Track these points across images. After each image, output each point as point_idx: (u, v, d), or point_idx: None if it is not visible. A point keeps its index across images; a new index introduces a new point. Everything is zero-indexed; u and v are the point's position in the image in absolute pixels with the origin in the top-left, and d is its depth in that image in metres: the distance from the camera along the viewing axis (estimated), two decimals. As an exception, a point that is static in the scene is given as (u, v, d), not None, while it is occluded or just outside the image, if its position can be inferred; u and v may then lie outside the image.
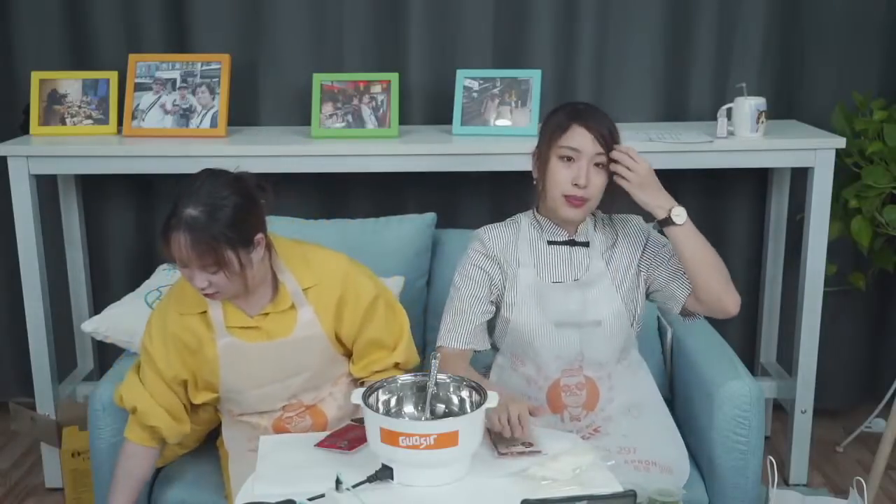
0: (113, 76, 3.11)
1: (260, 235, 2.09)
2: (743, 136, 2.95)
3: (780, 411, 3.29)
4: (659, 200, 2.22)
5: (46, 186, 3.17)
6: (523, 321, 2.27)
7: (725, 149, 2.93)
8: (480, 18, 3.19)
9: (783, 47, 3.25)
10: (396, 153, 2.92)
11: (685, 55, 3.24)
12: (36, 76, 3.10)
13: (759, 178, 3.31)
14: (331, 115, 3.05)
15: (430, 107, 3.24)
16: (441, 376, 1.99)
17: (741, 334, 3.42)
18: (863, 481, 2.41)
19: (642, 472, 2.19)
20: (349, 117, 3.05)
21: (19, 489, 3.14)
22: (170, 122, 3.06)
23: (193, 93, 3.06)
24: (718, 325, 2.87)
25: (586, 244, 2.31)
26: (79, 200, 3.24)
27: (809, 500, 2.57)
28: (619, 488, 1.83)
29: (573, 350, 2.27)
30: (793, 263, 3.21)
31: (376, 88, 3.06)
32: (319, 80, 3.07)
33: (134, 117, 3.06)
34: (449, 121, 3.10)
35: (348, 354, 2.34)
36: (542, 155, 2.24)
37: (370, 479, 1.83)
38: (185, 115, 3.06)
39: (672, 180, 3.25)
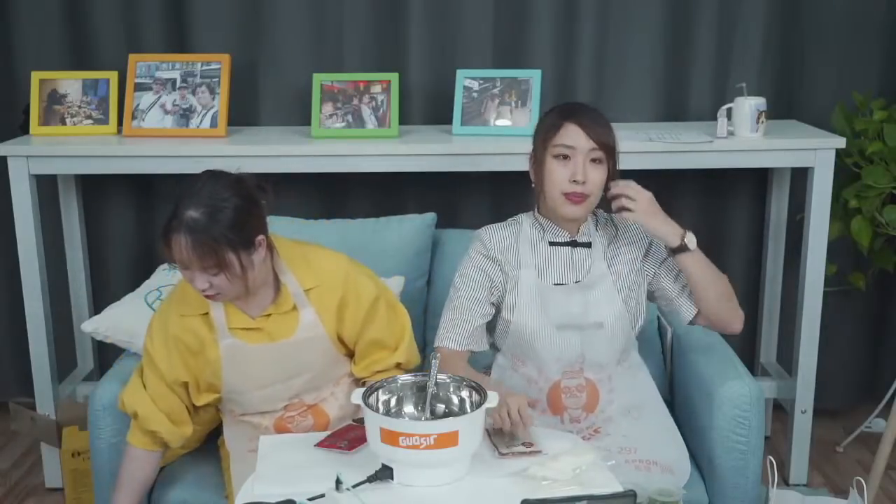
0: (113, 76, 3.11)
1: (261, 237, 2.09)
2: (743, 136, 2.95)
3: (780, 411, 3.29)
4: (670, 227, 2.24)
5: (46, 186, 3.17)
6: (524, 323, 2.27)
7: (725, 149, 2.93)
8: (480, 18, 3.19)
9: (783, 47, 3.25)
10: (396, 153, 2.92)
11: (685, 55, 3.24)
12: (36, 76, 3.10)
13: (759, 178, 3.31)
14: (331, 115, 3.05)
15: (430, 107, 3.24)
16: (441, 376, 1.99)
17: (741, 334, 3.38)
18: (863, 481, 2.40)
19: (643, 471, 2.19)
20: (349, 117, 3.05)
21: (19, 489, 3.14)
22: (170, 122, 3.06)
23: (193, 93, 3.06)
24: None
25: (588, 245, 2.30)
26: (79, 200, 3.24)
27: (809, 500, 2.57)
28: (619, 488, 1.83)
29: (574, 352, 2.27)
30: (793, 263, 3.21)
31: (376, 88, 3.06)
32: (319, 80, 3.07)
33: (134, 117, 3.06)
34: (449, 121, 3.10)
35: (350, 355, 2.34)
36: (537, 157, 2.25)
37: (370, 479, 1.83)
38: (185, 115, 3.06)
39: (672, 180, 3.28)
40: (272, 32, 3.20)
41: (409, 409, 1.99)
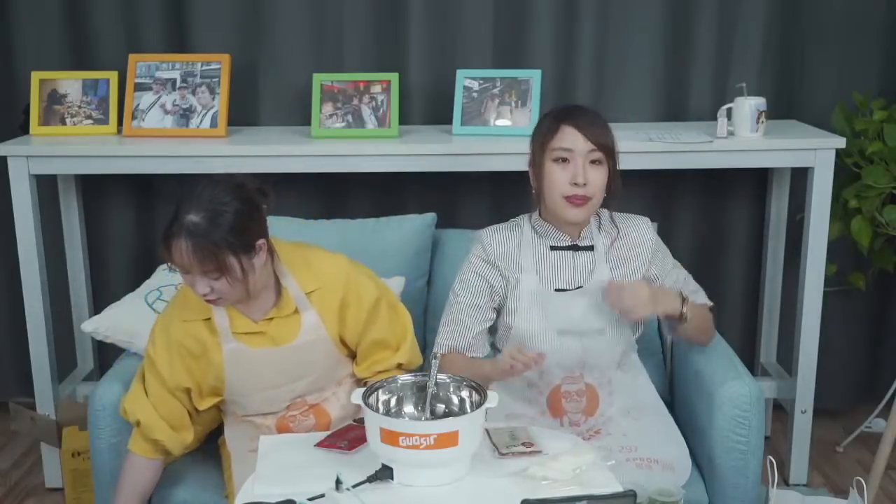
0: (113, 76, 3.11)
1: (261, 241, 2.09)
2: (743, 136, 2.95)
3: (780, 411, 3.29)
4: (671, 304, 2.25)
5: (46, 186, 3.17)
6: (525, 328, 2.26)
7: (725, 149, 2.93)
8: (480, 18, 3.19)
9: (783, 47, 3.25)
10: (396, 153, 2.92)
11: (685, 55, 3.24)
12: (36, 76, 3.10)
13: (759, 178, 3.31)
14: (331, 115, 3.05)
15: (430, 107, 3.24)
16: (441, 376, 1.99)
17: (741, 334, 3.42)
18: (863, 481, 2.40)
19: (644, 469, 2.19)
20: (349, 117, 3.05)
21: (19, 489, 3.14)
22: (170, 122, 3.06)
23: (193, 93, 3.06)
24: (718, 325, 2.87)
25: (590, 248, 2.29)
26: (79, 200, 3.24)
27: (809, 500, 2.57)
28: (619, 488, 1.83)
29: (574, 357, 2.27)
30: (793, 263, 3.21)
31: (376, 88, 3.06)
32: (319, 80, 3.07)
33: (134, 117, 3.06)
34: (449, 121, 3.10)
35: (352, 355, 2.34)
36: (536, 161, 2.24)
37: (370, 479, 1.83)
38: (185, 115, 3.06)
39: (672, 180, 3.28)
40: (272, 32, 3.20)
41: (409, 409, 1.99)
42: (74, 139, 3.03)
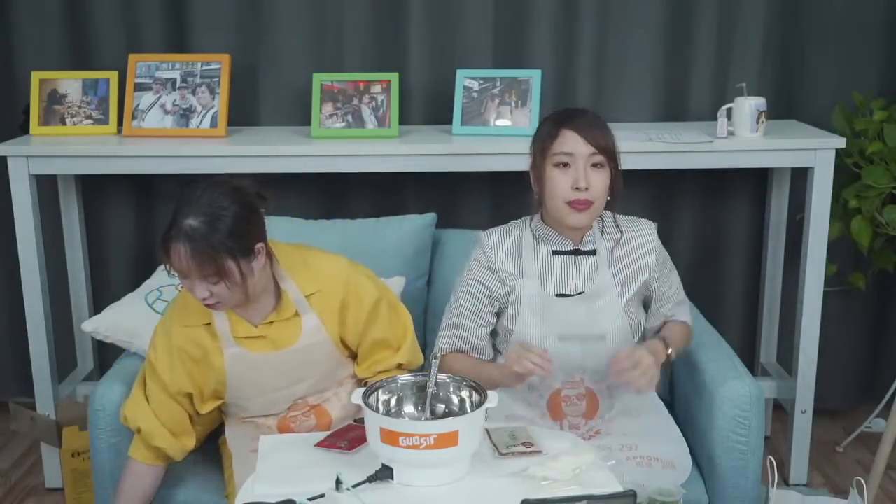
0: (113, 76, 3.11)
1: (260, 244, 2.08)
2: (743, 136, 2.95)
3: (780, 411, 3.29)
4: (662, 356, 2.24)
5: (46, 186, 3.17)
6: (526, 333, 2.25)
7: (725, 149, 2.93)
8: (480, 18, 3.19)
9: (783, 47, 3.25)
10: (396, 153, 2.92)
11: (685, 55, 3.24)
12: (36, 76, 3.10)
13: (759, 178, 3.31)
14: (331, 115, 3.05)
15: (430, 107, 3.24)
16: (441, 376, 1.99)
17: (741, 334, 3.42)
18: (863, 481, 2.40)
19: (644, 468, 2.19)
20: (349, 117, 3.05)
21: (19, 489, 3.14)
22: (170, 122, 3.06)
23: (193, 93, 3.06)
24: (718, 325, 2.88)
25: (593, 252, 2.28)
26: (79, 200, 3.24)
27: (809, 500, 2.57)
28: (619, 488, 1.83)
29: (575, 362, 2.26)
30: (793, 263, 3.21)
31: (376, 88, 3.06)
32: (319, 80, 3.07)
33: (134, 117, 3.06)
34: (449, 121, 3.10)
35: (353, 356, 2.34)
36: (536, 167, 2.22)
37: (370, 479, 1.83)
38: (185, 115, 3.06)
39: (672, 180, 3.28)
40: (272, 32, 3.20)
41: (409, 409, 1.99)
42: (74, 139, 3.03)
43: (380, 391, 1.97)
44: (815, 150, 2.91)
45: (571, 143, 2.16)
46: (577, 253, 2.27)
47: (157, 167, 2.96)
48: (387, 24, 3.20)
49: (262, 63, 3.22)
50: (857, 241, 3.08)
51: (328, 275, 2.23)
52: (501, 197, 3.27)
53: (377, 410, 1.90)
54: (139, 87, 3.08)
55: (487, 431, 2.02)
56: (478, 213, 3.28)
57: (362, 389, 1.94)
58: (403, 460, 1.81)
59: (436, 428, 1.80)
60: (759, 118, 2.93)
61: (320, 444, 2.02)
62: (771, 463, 2.40)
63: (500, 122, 3.06)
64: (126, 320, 2.66)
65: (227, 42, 3.18)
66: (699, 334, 2.63)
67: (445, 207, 3.19)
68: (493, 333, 2.35)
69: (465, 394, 1.98)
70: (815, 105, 3.28)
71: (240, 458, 2.24)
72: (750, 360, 3.42)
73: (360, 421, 2.00)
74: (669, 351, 2.27)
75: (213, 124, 3.04)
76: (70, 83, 3.11)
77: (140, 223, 3.35)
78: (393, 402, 1.99)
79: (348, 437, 2.05)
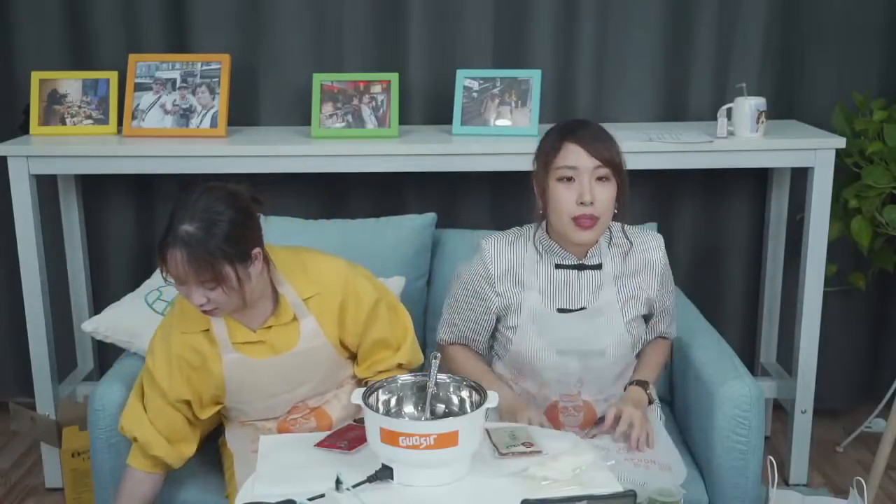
0: (113, 76, 3.11)
1: (257, 249, 2.07)
2: (743, 136, 2.95)
3: (780, 411, 3.29)
4: (645, 403, 2.26)
5: (46, 186, 3.17)
6: (525, 345, 2.23)
7: (725, 149, 2.93)
8: (480, 18, 3.19)
9: (783, 47, 3.25)
10: (396, 153, 2.92)
11: (685, 55, 3.24)
12: (36, 76, 3.10)
13: (759, 178, 3.31)
14: (331, 115, 3.05)
15: (430, 107, 3.24)
16: (441, 376, 1.99)
17: (741, 334, 3.42)
18: (863, 481, 2.41)
19: (642, 468, 2.18)
20: (349, 117, 3.05)
21: (19, 489, 3.14)
22: (170, 122, 3.06)
23: (193, 93, 3.06)
24: (718, 325, 2.88)
25: (598, 266, 2.23)
26: (79, 200, 3.24)
27: (809, 500, 2.57)
28: (619, 488, 1.83)
29: (573, 376, 2.25)
30: (793, 263, 3.21)
31: (376, 88, 3.06)
32: (319, 80, 3.07)
33: (134, 117, 3.06)
34: (449, 121, 3.10)
35: (353, 357, 2.33)
36: (540, 181, 2.17)
37: (370, 479, 1.83)
38: (185, 115, 3.06)
39: (672, 180, 3.28)
40: (272, 32, 3.20)
41: (409, 409, 1.99)
42: (74, 139, 3.03)
43: (380, 391, 1.97)
44: (815, 150, 2.91)
45: (574, 156, 2.11)
46: (580, 267, 2.23)
47: (157, 167, 2.96)
48: (387, 24, 3.20)
49: (262, 63, 3.22)
50: (857, 241, 3.08)
51: (326, 277, 2.22)
52: (501, 197, 3.27)
53: (377, 410, 1.90)
54: (139, 87, 3.08)
55: (487, 431, 2.02)
56: (478, 213, 3.28)
57: (362, 389, 1.94)
58: (403, 460, 1.81)
59: (436, 428, 1.80)
60: (759, 118, 2.93)
61: (320, 444, 2.02)
62: (771, 463, 2.40)
63: (500, 122, 3.06)
64: (126, 320, 2.66)
65: (227, 42, 3.18)
66: (699, 334, 2.63)
67: (445, 207, 3.19)
68: (493, 335, 2.34)
69: (465, 394, 1.98)
70: (815, 105, 3.28)
71: (240, 459, 2.24)
72: (750, 360, 3.42)
73: (360, 421, 2.00)
74: (650, 391, 2.27)
75: (213, 124, 3.04)
76: (70, 83, 3.11)
77: (140, 223, 3.35)
78: (393, 402, 1.99)
79: (348, 437, 2.04)
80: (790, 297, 3.22)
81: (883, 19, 3.23)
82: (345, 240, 2.78)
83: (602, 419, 2.28)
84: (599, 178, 2.12)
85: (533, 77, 3.06)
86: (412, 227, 2.85)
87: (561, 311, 2.23)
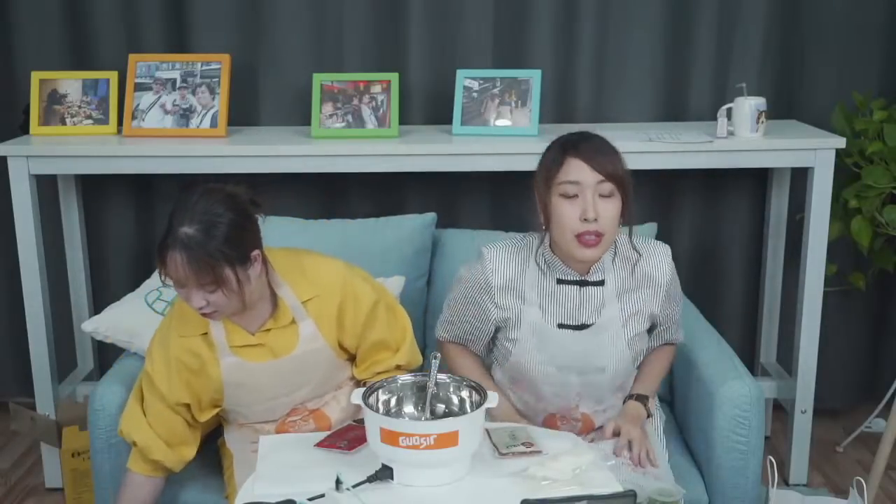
0: (113, 76, 3.11)
1: (256, 251, 2.07)
2: (743, 136, 2.95)
3: (780, 411, 3.29)
4: (643, 415, 2.25)
5: (46, 186, 3.17)
6: (524, 359, 2.21)
7: (725, 149, 2.93)
8: (480, 18, 3.19)
9: (783, 47, 3.25)
10: (396, 153, 2.92)
11: (685, 55, 3.24)
12: (36, 76, 3.10)
13: (759, 178, 3.31)
14: (331, 115, 3.05)
15: (430, 107, 3.24)
16: (441, 376, 1.99)
17: (741, 334, 3.42)
18: (863, 481, 2.41)
19: (639, 471, 2.18)
20: (349, 117, 3.05)
21: (19, 489, 3.14)
22: (170, 122, 3.06)
23: (193, 93, 3.06)
24: (718, 325, 2.88)
25: (600, 283, 2.17)
26: (79, 200, 3.24)
27: (809, 500, 2.57)
28: (619, 488, 1.83)
29: (573, 391, 2.24)
30: (793, 263, 3.21)
31: (376, 88, 3.06)
32: (319, 80, 3.07)
33: (134, 117, 3.06)
34: (449, 121, 3.10)
35: (352, 359, 2.33)
36: (541, 197, 2.10)
37: (370, 479, 1.83)
38: (185, 115, 3.06)
39: (672, 180, 3.28)
40: (272, 32, 3.20)
41: (409, 409, 1.99)
42: (74, 139, 3.03)
43: (380, 391, 1.97)
44: (815, 150, 2.91)
45: (577, 171, 2.04)
46: (583, 283, 2.17)
47: (157, 167, 2.96)
48: (387, 24, 3.20)
49: (262, 63, 3.22)
50: (857, 241, 3.08)
51: (324, 280, 2.22)
52: (501, 197, 3.27)
53: (377, 410, 1.90)
54: (139, 87, 3.08)
55: (487, 431, 2.02)
56: (478, 213, 3.28)
57: (362, 389, 1.94)
58: (403, 460, 1.81)
59: (436, 428, 1.80)
60: (759, 118, 2.93)
61: (320, 444, 2.02)
62: (771, 463, 2.40)
63: (500, 122, 3.06)
64: (126, 320, 2.66)
65: (227, 42, 3.18)
66: (699, 335, 2.63)
67: (445, 207, 3.19)
68: (493, 342, 2.31)
69: (465, 394, 1.98)
70: (815, 105, 3.28)
71: (240, 459, 2.24)
72: (750, 360, 3.42)
73: (360, 421, 2.00)
74: (649, 405, 2.26)
75: (213, 124, 3.04)
76: (70, 83, 3.11)
77: (140, 223, 3.35)
78: (393, 402, 1.99)
79: (348, 437, 2.04)
80: (790, 297, 3.22)
81: (883, 19, 3.23)
82: (345, 240, 2.78)
83: (600, 428, 2.28)
84: (603, 195, 2.05)
85: (533, 77, 3.06)
86: (412, 227, 2.85)
87: (561, 326, 2.18)
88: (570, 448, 1.97)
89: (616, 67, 3.24)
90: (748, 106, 2.93)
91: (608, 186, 2.05)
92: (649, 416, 2.27)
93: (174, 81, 3.08)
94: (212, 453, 2.40)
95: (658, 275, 2.21)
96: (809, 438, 3.08)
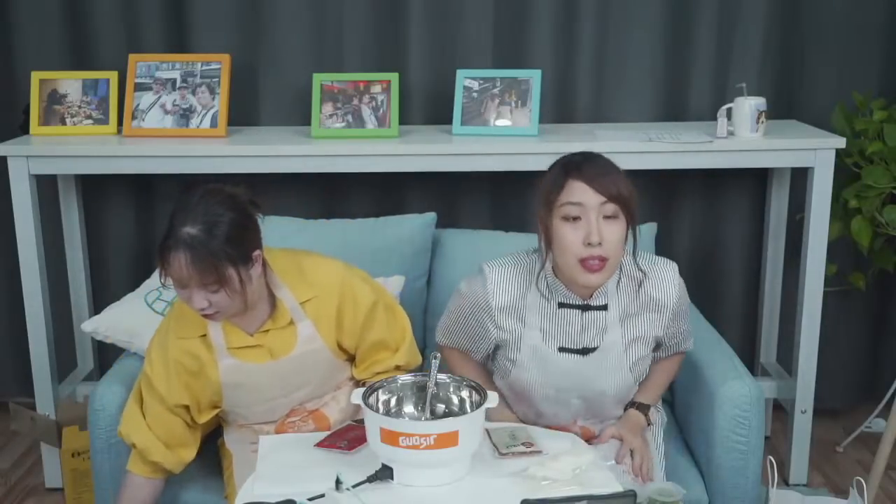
0: (113, 76, 3.11)
1: (257, 251, 2.07)
2: (743, 136, 2.95)
3: (780, 411, 3.29)
4: (644, 424, 2.25)
5: (46, 186, 3.17)
6: (524, 380, 2.18)
7: (725, 149, 2.93)
8: (480, 18, 3.19)
9: (783, 47, 3.25)
10: (396, 153, 2.92)
11: (685, 55, 3.24)
12: (36, 76, 3.10)
13: (759, 178, 3.31)
14: (331, 115, 3.05)
15: (430, 107, 3.24)
16: (441, 376, 1.99)
17: (741, 334, 3.42)
18: (863, 481, 2.41)
19: (637, 481, 2.17)
20: (349, 117, 3.05)
21: (19, 489, 3.14)
22: (170, 122, 3.06)
23: (193, 93, 3.06)
24: (718, 325, 2.88)
25: (603, 307, 2.12)
26: (79, 200, 3.24)
27: (809, 500, 2.57)
28: (618, 488, 1.83)
29: (573, 411, 2.24)
30: (793, 263, 3.21)
31: (376, 88, 3.06)
32: (319, 80, 3.07)
33: (134, 117, 3.06)
34: (449, 121, 3.10)
35: (351, 359, 2.33)
36: (543, 220, 2.03)
37: (370, 479, 1.83)
38: (185, 115, 3.06)
39: (672, 180, 3.28)
40: (272, 32, 3.20)
41: (409, 409, 2.00)
42: (74, 139, 3.03)
43: (380, 391, 1.97)
44: (815, 150, 2.91)
45: (580, 192, 1.97)
46: (585, 308, 2.12)
47: (157, 167, 2.96)
48: (387, 24, 3.20)
49: (262, 63, 3.22)
50: (857, 241, 3.08)
51: (323, 280, 2.21)
52: (501, 197, 3.27)
53: (377, 410, 1.90)
54: (139, 87, 3.08)
55: (487, 431, 2.02)
56: (478, 213, 3.28)
57: (362, 389, 1.94)
58: (403, 460, 1.81)
59: (436, 428, 1.80)
60: (759, 118, 2.93)
61: (320, 444, 2.02)
62: (771, 463, 2.40)
63: (500, 123, 3.06)
64: (126, 320, 2.66)
65: (227, 42, 3.18)
66: (699, 335, 2.63)
67: (445, 207, 3.19)
68: (494, 355, 2.28)
69: (465, 394, 1.98)
70: (815, 105, 3.28)
71: (239, 459, 2.24)
72: (750, 360, 3.42)
73: (360, 421, 2.00)
74: (650, 413, 2.25)
75: (213, 124, 3.04)
76: (70, 83, 3.11)
77: (140, 223, 3.35)
78: (393, 402, 1.99)
79: (348, 437, 2.05)
80: (790, 297, 3.22)
81: (883, 19, 3.23)
82: (345, 240, 2.78)
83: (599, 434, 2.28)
84: (607, 216, 1.98)
85: (533, 77, 3.06)
86: (412, 226, 2.85)
87: (562, 350, 2.14)
88: (570, 448, 1.97)
89: (616, 67, 3.24)
90: (748, 106, 2.93)
91: (612, 207, 1.99)
92: (649, 424, 2.27)
93: (174, 81, 3.08)
94: (211, 454, 2.40)
95: (664, 297, 2.16)
96: (809, 438, 3.08)
